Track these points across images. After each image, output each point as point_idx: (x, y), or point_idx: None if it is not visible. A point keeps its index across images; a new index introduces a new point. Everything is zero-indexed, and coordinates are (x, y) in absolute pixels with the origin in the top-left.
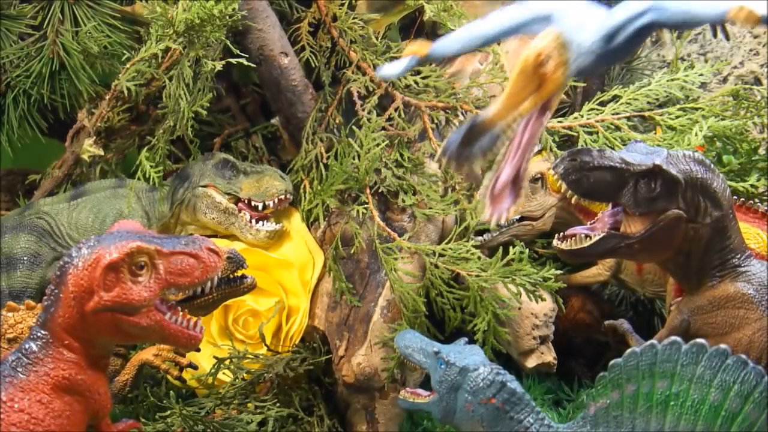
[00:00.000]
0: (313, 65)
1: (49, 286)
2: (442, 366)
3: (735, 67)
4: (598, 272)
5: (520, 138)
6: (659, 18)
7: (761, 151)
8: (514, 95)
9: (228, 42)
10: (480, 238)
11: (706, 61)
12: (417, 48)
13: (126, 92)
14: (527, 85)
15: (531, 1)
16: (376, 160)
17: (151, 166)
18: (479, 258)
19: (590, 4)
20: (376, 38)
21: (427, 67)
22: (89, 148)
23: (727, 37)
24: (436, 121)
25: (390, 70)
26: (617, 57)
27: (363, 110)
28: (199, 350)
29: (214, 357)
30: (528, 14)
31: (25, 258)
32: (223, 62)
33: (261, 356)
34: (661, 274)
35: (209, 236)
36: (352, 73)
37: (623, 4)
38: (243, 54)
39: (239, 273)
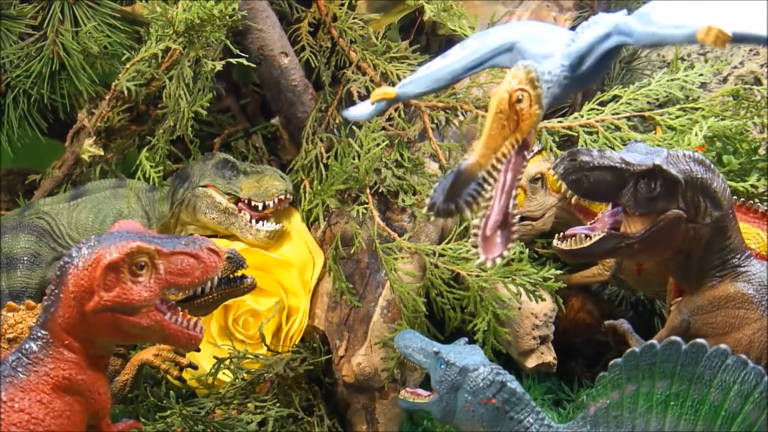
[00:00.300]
0: (313, 65)
1: (50, 286)
2: (442, 366)
3: (735, 67)
4: (598, 272)
5: (503, 180)
6: (626, 41)
7: (761, 151)
8: (493, 138)
9: (228, 42)
10: None
11: (706, 61)
12: (384, 93)
13: (126, 92)
14: (505, 125)
15: (491, 31)
16: (376, 160)
17: (151, 166)
18: None
19: (550, 27)
20: (376, 38)
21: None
22: (89, 148)
23: None
24: (436, 121)
25: (358, 111)
26: (588, 81)
27: None
28: (199, 350)
29: (214, 357)
30: (490, 46)
31: (25, 258)
32: (223, 62)
33: (261, 356)
34: (661, 274)
35: (209, 236)
36: (352, 73)
37: (586, 27)
38: (243, 54)
39: (239, 273)
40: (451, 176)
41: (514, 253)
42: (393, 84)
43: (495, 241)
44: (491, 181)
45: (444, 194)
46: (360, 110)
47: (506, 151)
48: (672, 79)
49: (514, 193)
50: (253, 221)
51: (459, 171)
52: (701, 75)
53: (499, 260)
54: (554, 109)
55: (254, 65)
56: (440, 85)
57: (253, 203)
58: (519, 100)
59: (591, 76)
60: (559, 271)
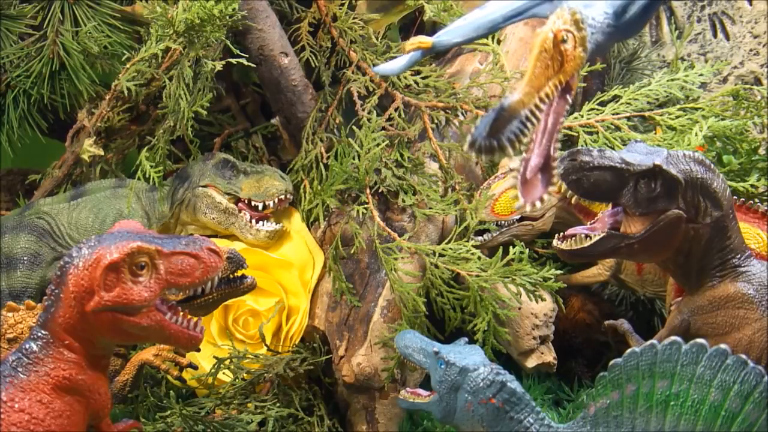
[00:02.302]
0: (313, 65)
1: (50, 286)
2: (442, 366)
3: (735, 67)
4: (598, 272)
5: (545, 122)
6: None
7: (761, 151)
8: (537, 77)
9: (228, 42)
10: (480, 238)
11: (706, 61)
12: (420, 41)
13: (126, 92)
14: (548, 65)
15: None
16: (376, 160)
17: (151, 166)
18: (479, 258)
19: None
20: (376, 38)
21: (427, 67)
22: (89, 148)
23: (727, 37)
24: (436, 121)
25: (391, 66)
26: (631, 31)
27: (363, 110)
28: (199, 350)
29: (214, 357)
30: None
31: (25, 258)
32: (223, 62)
33: (261, 356)
34: (661, 274)
35: (209, 236)
36: (352, 73)
37: None
38: (243, 54)
39: (239, 273)
40: (494, 113)
41: (514, 253)
42: (393, 84)
43: (535, 183)
44: (534, 120)
45: (486, 130)
46: (392, 65)
47: (549, 91)
48: (672, 79)
49: (556, 136)
50: (253, 221)
51: (502, 107)
52: (701, 75)
53: (539, 203)
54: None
55: (254, 65)
56: (479, 34)
57: (253, 203)
58: (564, 41)
59: (634, 26)
60: (559, 271)
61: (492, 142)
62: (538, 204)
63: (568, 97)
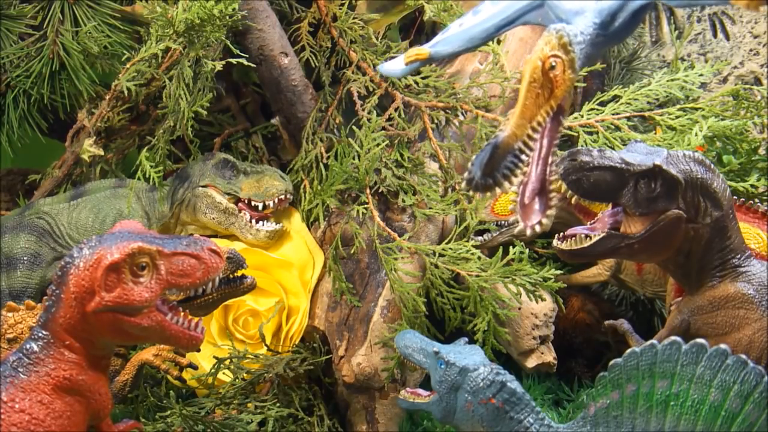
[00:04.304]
0: (313, 65)
1: (51, 287)
2: (442, 366)
3: (735, 67)
4: (598, 272)
5: (539, 147)
6: None
7: (761, 151)
8: (528, 107)
9: (228, 42)
10: (480, 238)
11: (706, 61)
12: (417, 53)
13: (126, 92)
14: (539, 94)
15: None
16: (376, 160)
17: (151, 166)
18: (479, 258)
19: None
20: (376, 38)
21: (427, 67)
22: (89, 148)
23: (728, 37)
24: (436, 121)
25: (392, 67)
26: (620, 37)
27: (363, 110)
28: (199, 350)
29: (214, 357)
30: (521, 3)
31: (25, 258)
32: (223, 62)
33: (261, 356)
34: (661, 274)
35: (209, 236)
36: (352, 73)
37: None
38: (243, 54)
39: (239, 273)
40: (488, 149)
41: (514, 253)
42: (393, 84)
43: (533, 208)
44: (527, 151)
45: (481, 169)
46: (394, 66)
47: (541, 119)
48: (672, 79)
49: (550, 159)
50: (253, 221)
51: (496, 144)
52: (701, 75)
53: (538, 227)
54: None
55: (254, 65)
56: (474, 45)
57: (253, 203)
58: (552, 67)
59: (623, 33)
60: (559, 271)
61: (488, 181)
62: (537, 228)
63: (561, 118)
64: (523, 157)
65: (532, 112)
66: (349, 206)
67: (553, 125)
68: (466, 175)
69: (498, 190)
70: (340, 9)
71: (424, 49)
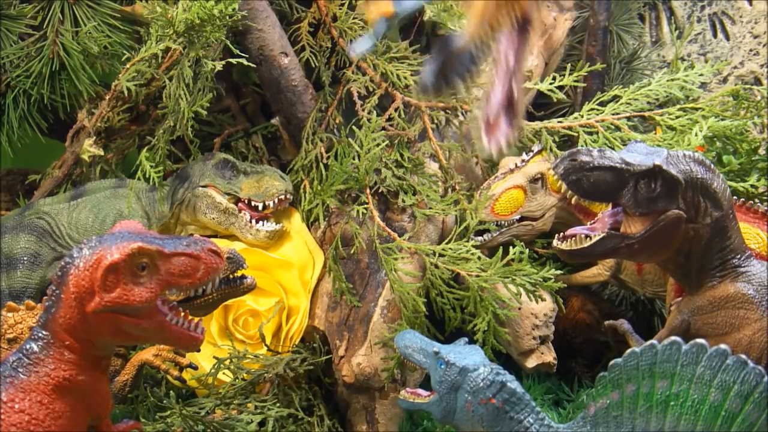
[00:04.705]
0: (313, 65)
1: (50, 287)
2: (442, 366)
3: (735, 67)
4: (598, 272)
5: (505, 59)
6: None
7: (761, 151)
8: (488, 7)
9: (228, 42)
10: (480, 238)
11: (706, 61)
12: (381, 9)
13: (126, 92)
14: None
15: None
16: (376, 160)
17: (151, 166)
18: (479, 258)
19: None
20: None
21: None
22: (89, 148)
23: (727, 37)
24: (436, 121)
25: (361, 44)
26: None
27: (363, 110)
28: (199, 350)
29: (214, 357)
30: None
31: (25, 258)
32: (223, 62)
33: (261, 356)
34: (661, 274)
35: (209, 236)
36: (352, 73)
37: None
38: (243, 54)
39: (239, 273)
40: (442, 50)
41: (514, 253)
42: (393, 84)
43: (499, 124)
44: (484, 51)
45: (434, 72)
46: (363, 43)
47: (501, 21)
48: (672, 79)
49: (519, 76)
50: (253, 221)
51: (448, 42)
52: (701, 75)
53: (504, 145)
54: (554, 109)
55: (254, 65)
56: None
57: (253, 203)
58: None
59: None
60: (559, 271)
61: (440, 81)
62: (504, 147)
63: (528, 34)
64: (479, 58)
65: (492, 13)
66: (349, 206)
67: (520, 38)
68: (418, 82)
69: (450, 92)
70: (340, 9)
71: (388, 4)
